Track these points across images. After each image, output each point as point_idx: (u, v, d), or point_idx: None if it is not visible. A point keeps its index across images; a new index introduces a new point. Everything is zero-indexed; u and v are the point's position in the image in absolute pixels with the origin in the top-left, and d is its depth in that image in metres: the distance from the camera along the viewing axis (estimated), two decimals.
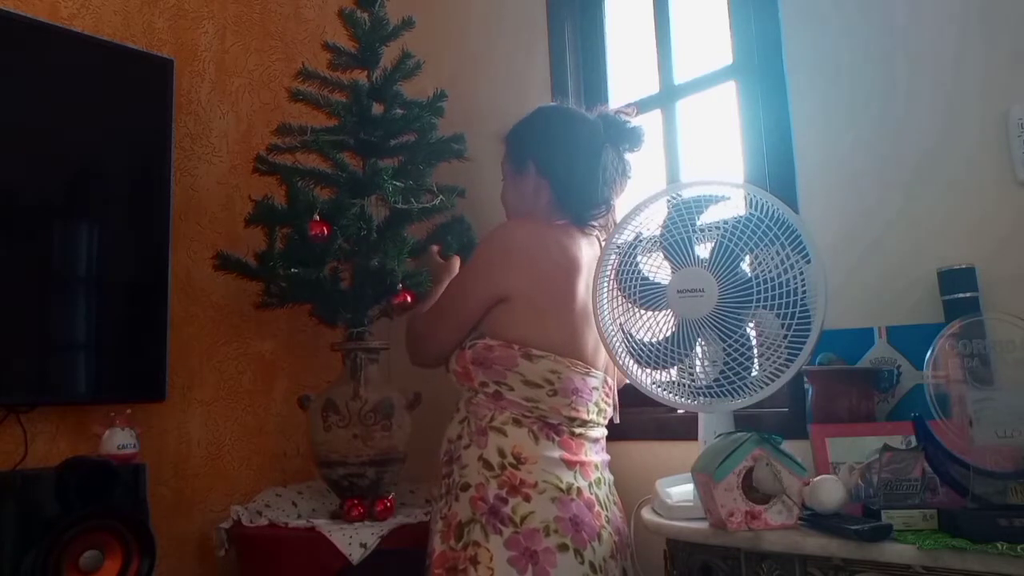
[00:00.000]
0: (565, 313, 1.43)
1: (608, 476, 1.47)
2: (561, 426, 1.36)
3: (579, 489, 1.32)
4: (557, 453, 1.33)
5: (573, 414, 1.37)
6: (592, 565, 1.28)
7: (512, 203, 1.61)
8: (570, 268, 1.45)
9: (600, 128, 1.54)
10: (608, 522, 1.36)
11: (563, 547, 1.26)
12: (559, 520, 1.28)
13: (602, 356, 1.46)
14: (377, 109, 2.07)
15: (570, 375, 1.39)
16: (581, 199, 1.52)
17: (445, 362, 1.54)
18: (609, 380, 1.50)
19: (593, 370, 1.43)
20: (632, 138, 1.56)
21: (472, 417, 1.41)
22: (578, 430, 1.38)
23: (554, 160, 1.53)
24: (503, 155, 1.66)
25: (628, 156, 1.57)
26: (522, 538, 1.25)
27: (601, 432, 1.47)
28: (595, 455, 1.42)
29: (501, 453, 1.33)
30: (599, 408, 1.44)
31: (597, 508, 1.34)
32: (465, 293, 1.49)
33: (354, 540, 1.72)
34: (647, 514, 1.45)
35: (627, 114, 1.57)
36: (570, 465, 1.34)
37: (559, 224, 1.51)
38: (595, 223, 1.54)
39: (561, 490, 1.30)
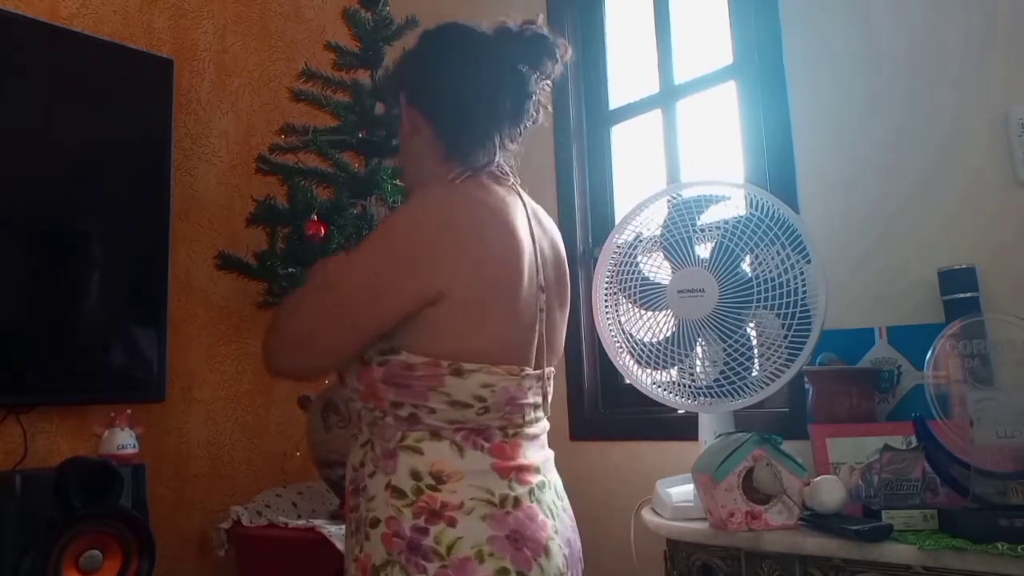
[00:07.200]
0: (508, 305, 1.12)
1: (553, 478, 1.21)
2: (491, 430, 1.13)
3: (516, 499, 1.10)
4: (488, 462, 1.11)
5: (505, 423, 1.14)
6: None
7: (407, 161, 1.24)
8: (515, 245, 1.12)
9: (492, 43, 1.17)
10: (556, 533, 1.12)
11: (502, 572, 1.04)
12: (493, 540, 1.06)
13: (535, 348, 1.18)
14: (379, 109, 2.07)
15: (505, 385, 1.12)
16: (467, 132, 1.16)
17: (331, 374, 1.20)
18: (547, 369, 1.21)
19: (527, 369, 1.16)
20: (533, 51, 1.16)
21: (377, 439, 1.13)
22: (512, 431, 1.15)
23: (427, 85, 1.18)
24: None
25: (539, 78, 1.18)
26: (452, 572, 1.04)
27: (541, 427, 1.20)
28: (534, 454, 1.17)
29: (415, 475, 1.09)
30: (535, 404, 1.18)
31: (542, 517, 1.11)
32: (377, 291, 1.07)
33: None
34: (647, 514, 1.45)
35: (530, 23, 1.18)
36: (504, 473, 1.11)
37: (482, 182, 1.16)
38: (484, 162, 1.17)
39: (493, 504, 1.08)
